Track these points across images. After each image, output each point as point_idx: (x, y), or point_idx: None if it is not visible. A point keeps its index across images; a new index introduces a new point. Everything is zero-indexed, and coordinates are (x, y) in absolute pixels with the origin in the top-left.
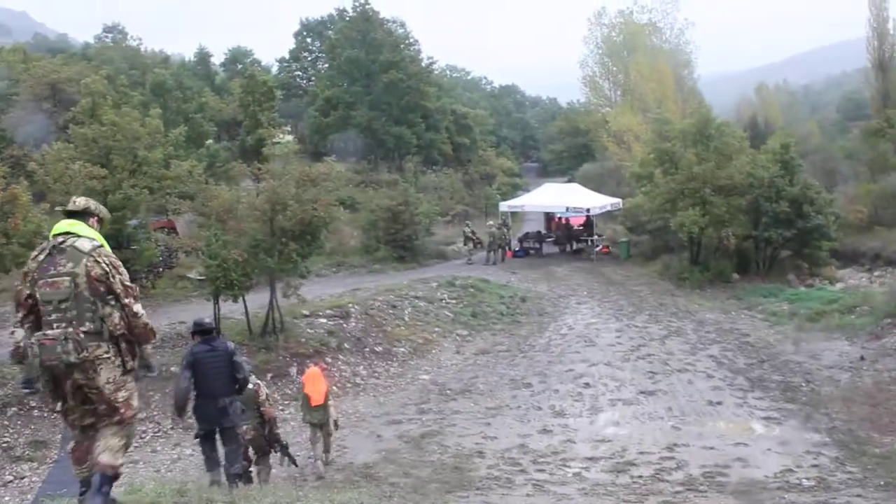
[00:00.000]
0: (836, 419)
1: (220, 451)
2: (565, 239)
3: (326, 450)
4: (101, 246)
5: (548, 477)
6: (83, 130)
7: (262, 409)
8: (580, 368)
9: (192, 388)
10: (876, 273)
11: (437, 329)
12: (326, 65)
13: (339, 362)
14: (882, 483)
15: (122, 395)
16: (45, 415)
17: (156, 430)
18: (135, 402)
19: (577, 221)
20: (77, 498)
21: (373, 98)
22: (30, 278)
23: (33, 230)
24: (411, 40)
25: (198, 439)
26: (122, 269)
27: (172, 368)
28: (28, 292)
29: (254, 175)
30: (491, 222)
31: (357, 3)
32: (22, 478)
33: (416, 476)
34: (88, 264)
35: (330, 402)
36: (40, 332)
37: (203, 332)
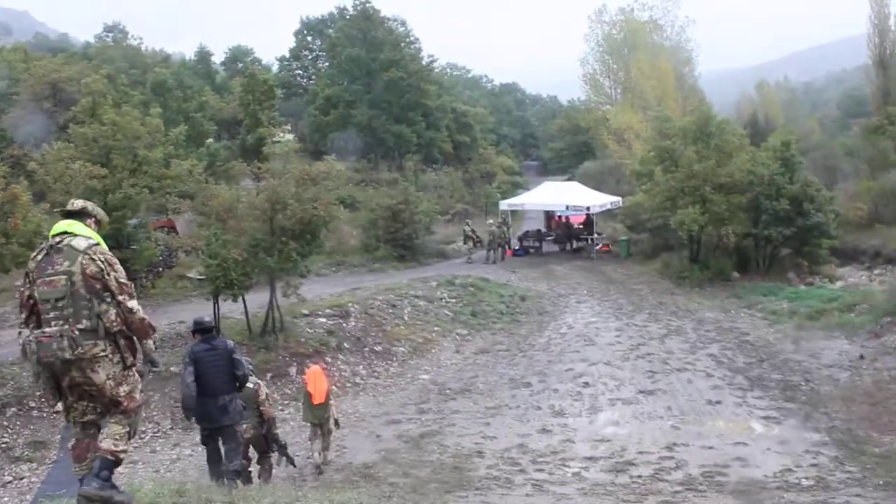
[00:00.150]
0: (835, 418)
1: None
2: (565, 237)
3: (326, 448)
4: (97, 244)
5: (547, 477)
6: (83, 130)
7: (261, 408)
8: (580, 368)
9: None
10: (876, 271)
11: (436, 328)
12: (327, 63)
13: (339, 362)
14: (881, 482)
15: (123, 389)
16: (45, 415)
17: (155, 430)
18: (137, 395)
19: (577, 220)
20: (77, 497)
21: (373, 96)
22: (30, 279)
23: (33, 230)
24: (411, 39)
25: (204, 444)
26: (118, 267)
27: (172, 368)
28: (28, 293)
29: (254, 174)
30: (491, 221)
31: (357, 2)
32: (21, 478)
33: (415, 476)
34: (84, 262)
35: (331, 402)
36: (38, 330)
37: (203, 330)
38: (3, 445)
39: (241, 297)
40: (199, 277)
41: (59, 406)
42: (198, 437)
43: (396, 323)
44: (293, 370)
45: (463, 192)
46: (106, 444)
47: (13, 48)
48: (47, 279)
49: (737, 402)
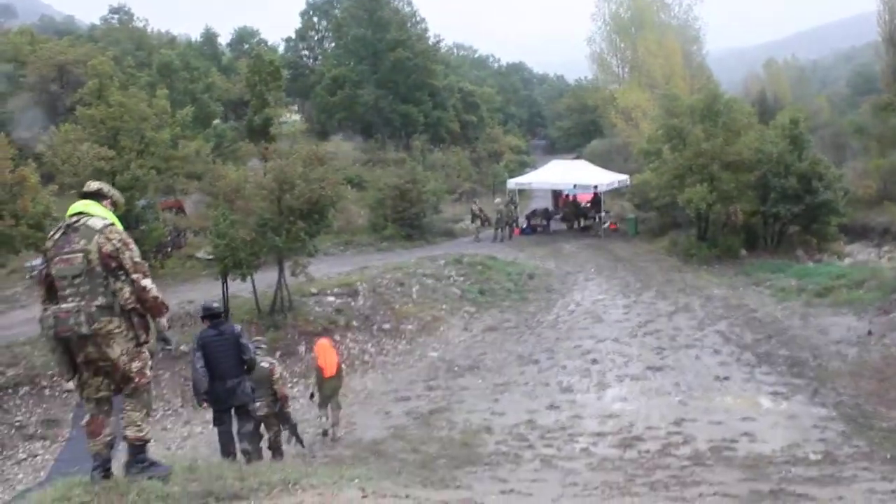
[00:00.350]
0: (843, 394)
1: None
2: (573, 216)
3: (335, 423)
4: (113, 224)
5: (555, 452)
6: (90, 112)
7: (275, 387)
8: (588, 345)
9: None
10: (884, 248)
11: (444, 306)
12: (333, 44)
13: (348, 340)
14: (889, 456)
15: (135, 365)
16: (56, 394)
17: (166, 408)
18: (148, 372)
19: (584, 198)
20: (90, 473)
21: (379, 77)
22: (47, 257)
23: (42, 211)
24: (418, 19)
25: (216, 426)
26: (133, 246)
27: (182, 347)
28: (46, 271)
29: (261, 154)
30: (498, 200)
31: None
32: (35, 455)
33: (424, 452)
34: (100, 241)
35: (343, 373)
36: (55, 306)
37: (211, 316)
38: (17, 423)
39: (249, 277)
40: (207, 257)
41: (73, 384)
42: (208, 416)
43: (405, 301)
44: (302, 348)
45: (470, 171)
46: (130, 432)
47: (19, 31)
48: (64, 257)
49: (745, 378)
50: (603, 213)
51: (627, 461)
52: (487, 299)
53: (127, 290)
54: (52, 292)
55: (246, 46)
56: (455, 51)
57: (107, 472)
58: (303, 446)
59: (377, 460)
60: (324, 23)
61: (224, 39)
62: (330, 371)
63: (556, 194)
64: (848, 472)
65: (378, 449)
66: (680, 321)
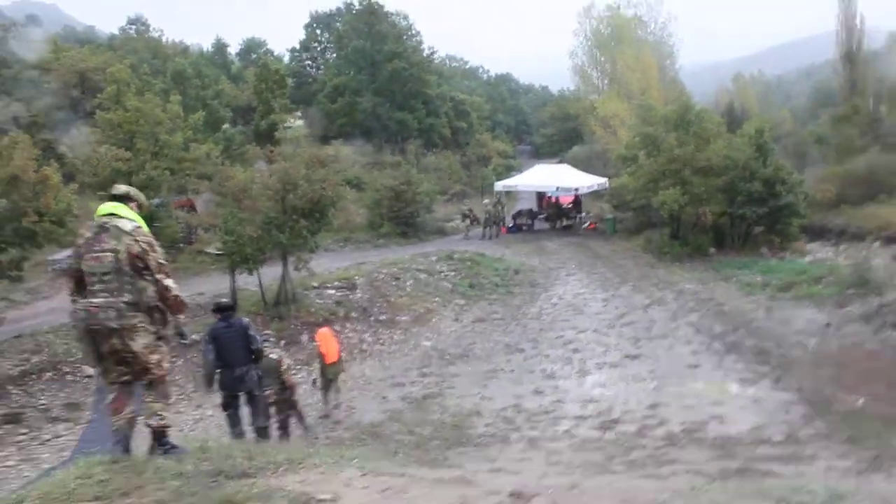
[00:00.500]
0: (804, 380)
1: (244, 417)
2: (555, 216)
3: (336, 406)
4: (140, 227)
5: (540, 434)
6: (109, 116)
7: (283, 377)
8: (569, 335)
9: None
10: (841, 247)
11: (437, 299)
12: (334, 54)
13: (347, 330)
14: (846, 437)
15: (154, 357)
16: (78, 379)
17: (179, 392)
18: (166, 364)
19: (566, 200)
20: (112, 447)
21: (377, 85)
22: (78, 253)
23: (63, 209)
24: (413, 32)
25: (225, 410)
26: (158, 248)
27: (194, 336)
28: (76, 266)
29: (267, 157)
30: (487, 200)
31: None
32: (59, 437)
33: (418, 434)
34: (129, 242)
35: (343, 358)
36: (86, 300)
37: (221, 310)
38: (42, 407)
39: (255, 271)
40: (216, 253)
41: (97, 370)
42: (219, 399)
43: (400, 294)
44: (304, 338)
45: (461, 174)
46: (153, 421)
47: (44, 40)
48: (95, 255)
49: (714, 366)
50: (583, 214)
51: (607, 442)
52: (476, 293)
53: (151, 289)
54: (79, 285)
55: (254, 56)
56: (447, 62)
57: (127, 447)
58: (308, 430)
59: (375, 442)
60: (326, 35)
61: (233, 49)
62: (331, 357)
63: (540, 196)
64: (809, 452)
65: (376, 431)
66: (654, 313)
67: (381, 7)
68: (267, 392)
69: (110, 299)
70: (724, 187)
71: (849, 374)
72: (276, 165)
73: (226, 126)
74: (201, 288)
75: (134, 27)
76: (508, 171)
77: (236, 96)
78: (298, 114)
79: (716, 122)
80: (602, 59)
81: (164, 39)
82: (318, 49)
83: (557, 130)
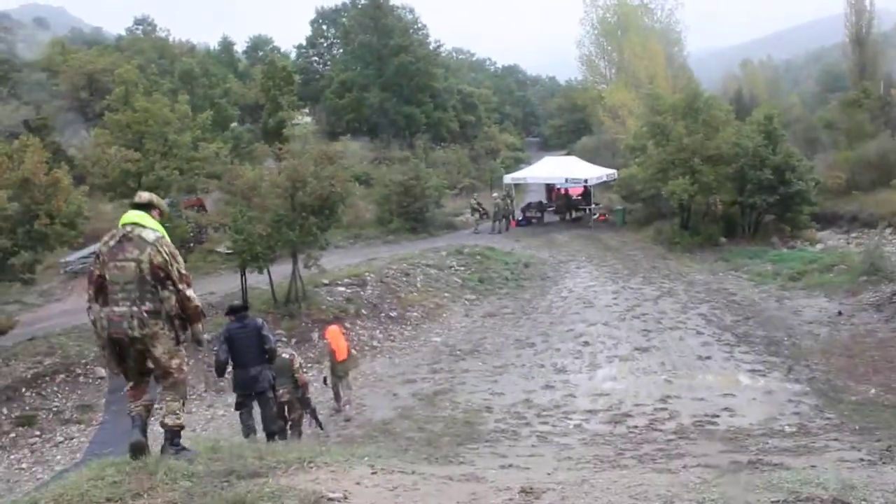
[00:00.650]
0: (815, 370)
1: (256, 418)
2: (565, 208)
3: (348, 402)
4: (163, 237)
5: (551, 429)
6: (117, 117)
7: (296, 375)
8: (580, 328)
9: (230, 360)
10: (853, 234)
11: (447, 294)
12: (341, 50)
13: (357, 327)
14: (857, 427)
15: (175, 362)
16: (90, 381)
17: (191, 393)
18: (185, 367)
19: (575, 191)
20: (130, 430)
21: (384, 80)
22: (100, 260)
23: (74, 211)
24: (419, 25)
25: (238, 410)
26: (180, 259)
27: (205, 336)
28: (98, 272)
29: (275, 155)
30: (496, 194)
31: None
32: (71, 438)
33: (429, 430)
34: (152, 253)
35: (354, 353)
36: (108, 308)
37: (235, 311)
38: (55, 409)
39: (265, 269)
40: (227, 252)
41: (109, 373)
42: (230, 399)
43: (410, 290)
44: (315, 335)
45: (469, 167)
46: (169, 420)
47: (52, 42)
48: (119, 264)
49: (725, 357)
50: (593, 205)
51: (617, 436)
52: (486, 287)
53: (173, 299)
54: (100, 292)
55: (260, 54)
56: (454, 55)
57: (143, 431)
58: (321, 428)
59: (386, 439)
60: (332, 30)
61: (240, 47)
62: (342, 354)
63: (549, 188)
64: (820, 443)
65: (386, 428)
66: (665, 305)
67: (387, 1)
68: (280, 391)
69: (133, 308)
70: (733, 176)
71: (860, 364)
72: (284, 163)
73: (234, 124)
74: (212, 287)
75: (141, 28)
76: (517, 163)
77: (244, 94)
78: (306, 110)
79: (724, 110)
80: (609, 47)
81: (170, 39)
82: (325, 45)
83: (565, 121)
